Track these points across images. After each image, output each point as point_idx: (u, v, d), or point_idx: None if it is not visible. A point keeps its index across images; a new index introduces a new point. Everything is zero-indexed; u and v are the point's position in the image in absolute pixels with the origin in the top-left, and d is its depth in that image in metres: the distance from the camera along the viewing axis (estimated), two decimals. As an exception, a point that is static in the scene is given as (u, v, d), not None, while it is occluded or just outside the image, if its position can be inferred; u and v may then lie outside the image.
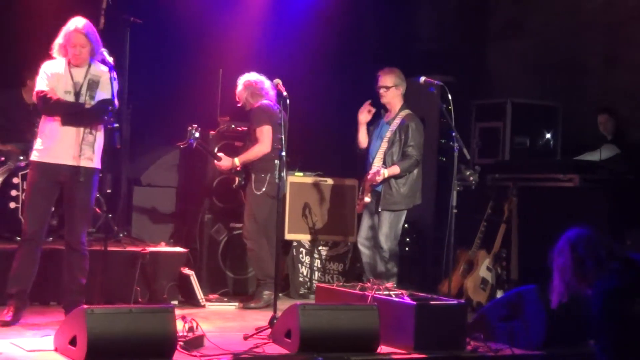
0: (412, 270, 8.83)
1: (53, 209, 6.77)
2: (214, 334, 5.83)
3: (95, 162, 6.22)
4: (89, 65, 6.21)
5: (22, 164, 7.25)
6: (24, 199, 6.34)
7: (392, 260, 7.36)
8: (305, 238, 8.43)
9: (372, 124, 7.62)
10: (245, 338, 5.82)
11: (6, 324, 5.94)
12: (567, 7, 9.53)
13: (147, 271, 7.26)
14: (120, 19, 7.17)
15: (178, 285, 7.42)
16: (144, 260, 7.24)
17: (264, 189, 7.42)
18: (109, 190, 7.85)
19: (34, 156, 6.19)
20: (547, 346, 5.93)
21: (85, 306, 5.01)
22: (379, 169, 7.26)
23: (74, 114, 6.09)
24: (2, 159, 7.50)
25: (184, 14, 8.92)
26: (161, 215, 8.67)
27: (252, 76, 7.59)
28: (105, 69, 6.25)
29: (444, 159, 9.13)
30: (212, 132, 8.14)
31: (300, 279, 8.38)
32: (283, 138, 6.51)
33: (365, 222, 7.53)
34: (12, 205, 7.21)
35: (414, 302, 5.77)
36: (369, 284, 6.32)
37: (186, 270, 7.41)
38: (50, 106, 6.08)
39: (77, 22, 6.17)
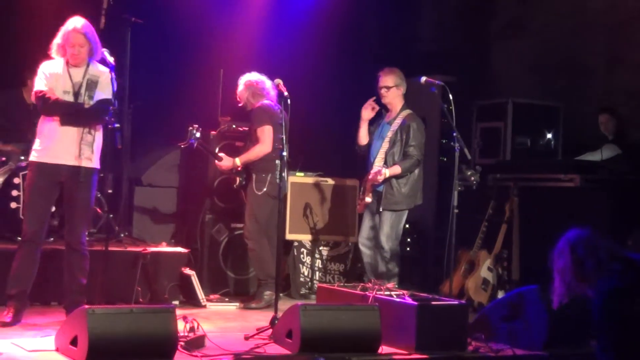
0: (413, 270, 8.83)
1: (54, 209, 6.78)
2: (215, 334, 5.84)
3: (95, 162, 6.21)
4: (88, 65, 6.20)
5: (23, 164, 7.25)
6: (23, 199, 6.31)
7: (393, 260, 7.36)
8: (306, 238, 8.43)
9: (372, 124, 7.62)
10: (247, 338, 5.82)
11: (6, 325, 5.94)
12: (569, 7, 9.53)
13: (148, 271, 7.27)
14: (121, 19, 7.17)
15: (179, 286, 7.42)
16: (145, 261, 7.25)
17: (265, 189, 7.42)
18: (110, 191, 7.85)
19: (33, 157, 6.18)
20: (548, 346, 5.92)
21: (87, 306, 5.01)
22: (381, 169, 7.26)
23: (73, 113, 6.08)
24: (3, 159, 7.50)
25: (185, 13, 8.91)
26: (162, 216, 8.67)
27: (253, 76, 7.59)
28: (103, 69, 6.25)
29: (445, 159, 9.12)
30: (213, 132, 8.14)
31: (301, 279, 8.38)
32: (284, 138, 6.52)
33: (367, 222, 7.53)
34: (13, 205, 7.20)
35: (415, 303, 5.77)
36: (370, 284, 6.32)
37: (187, 271, 7.40)
38: (49, 106, 6.07)
39: (76, 22, 6.17)
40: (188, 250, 7.68)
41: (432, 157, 9.04)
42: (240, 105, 7.68)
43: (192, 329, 5.57)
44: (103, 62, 6.33)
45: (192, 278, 7.35)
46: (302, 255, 8.41)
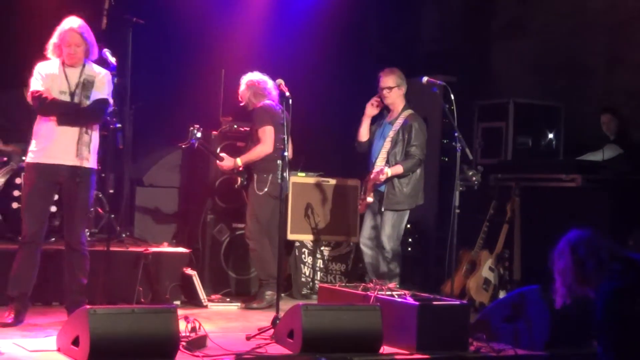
0: (414, 270, 8.83)
1: (55, 209, 6.78)
2: (216, 334, 5.84)
3: (92, 162, 6.19)
4: (84, 66, 6.18)
5: (24, 164, 7.25)
6: (22, 201, 6.30)
7: (395, 260, 7.36)
8: (307, 238, 8.43)
9: (373, 123, 7.62)
10: (248, 338, 5.82)
11: (7, 325, 5.94)
12: (569, 7, 9.53)
13: (149, 271, 7.27)
14: (122, 20, 7.18)
15: (180, 286, 7.42)
16: (146, 261, 7.25)
17: (266, 189, 7.42)
18: (111, 191, 7.86)
19: (30, 158, 6.17)
20: (550, 347, 5.92)
21: (88, 306, 5.01)
22: (383, 168, 7.26)
23: (70, 113, 6.07)
24: (5, 159, 7.50)
25: (186, 14, 8.92)
26: (163, 216, 8.67)
27: (255, 76, 7.59)
28: (100, 69, 6.24)
29: (447, 159, 9.12)
30: (214, 132, 8.14)
31: (303, 279, 8.38)
32: (285, 138, 6.52)
33: (368, 222, 7.53)
34: (15, 205, 7.20)
35: (417, 303, 5.77)
36: (371, 284, 6.32)
37: (189, 271, 7.41)
38: (46, 106, 6.05)
39: (72, 22, 6.16)
40: (189, 250, 7.69)
41: (434, 157, 9.05)
42: (241, 104, 7.68)
43: (193, 329, 5.57)
44: (104, 62, 6.34)
45: (194, 278, 7.35)
46: (303, 256, 8.41)
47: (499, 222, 7.97)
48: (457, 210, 6.64)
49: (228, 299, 7.65)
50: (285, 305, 6.26)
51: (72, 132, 6.08)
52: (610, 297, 4.34)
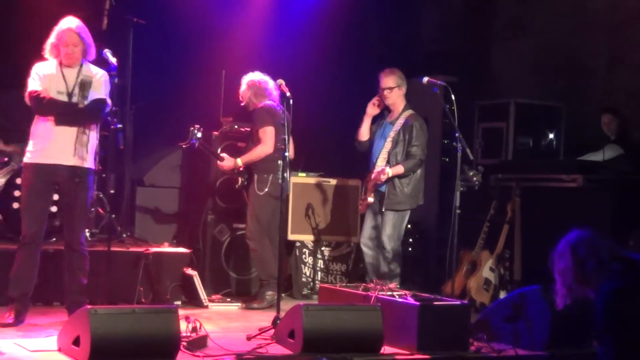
0: (415, 270, 8.83)
1: (56, 209, 6.78)
2: (217, 334, 5.84)
3: (90, 162, 6.19)
4: (81, 66, 6.18)
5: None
6: (21, 201, 6.28)
7: (395, 260, 7.37)
8: (308, 238, 8.43)
9: (374, 123, 7.63)
10: (249, 338, 5.82)
11: (8, 325, 5.94)
12: (569, 7, 9.53)
13: (150, 271, 7.27)
14: (123, 20, 7.18)
15: (181, 286, 7.43)
16: (147, 261, 7.25)
17: (266, 190, 7.43)
18: (112, 191, 7.85)
19: (27, 158, 6.16)
20: (550, 347, 5.92)
21: (89, 306, 5.01)
22: (384, 168, 7.26)
23: (68, 113, 6.07)
24: (5, 159, 7.50)
25: (187, 14, 8.92)
26: (164, 216, 8.68)
27: (256, 76, 7.59)
28: (97, 70, 6.24)
29: (447, 160, 9.12)
30: (215, 133, 8.14)
31: (303, 280, 8.38)
32: (286, 139, 6.52)
33: (369, 222, 7.54)
34: (16, 205, 7.19)
35: (418, 303, 5.77)
36: (372, 285, 6.32)
37: (189, 271, 7.41)
38: (43, 106, 6.04)
39: (70, 22, 6.16)
40: (190, 250, 7.69)
41: (434, 158, 9.05)
42: (242, 104, 7.68)
43: (194, 329, 5.57)
44: (105, 62, 6.34)
45: (194, 278, 7.35)
46: (304, 256, 8.41)
47: (499, 222, 7.97)
48: (458, 211, 6.64)
49: (229, 299, 7.65)
50: (286, 305, 6.27)
51: (70, 132, 6.08)
52: (611, 297, 4.34)
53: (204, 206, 8.22)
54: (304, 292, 8.33)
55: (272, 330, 5.90)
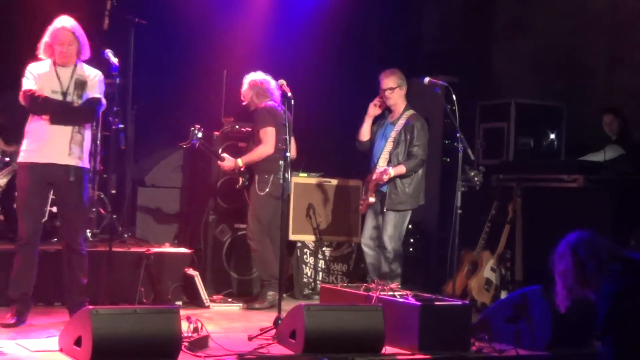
0: (416, 270, 8.83)
1: (56, 209, 6.78)
2: (218, 334, 5.84)
3: (84, 162, 6.18)
4: (75, 66, 6.18)
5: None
6: (17, 202, 6.26)
7: (396, 260, 7.37)
8: (309, 239, 8.43)
9: (375, 123, 7.63)
10: (250, 339, 5.83)
11: (10, 326, 5.94)
12: (569, 7, 9.54)
13: (151, 272, 7.27)
14: (124, 20, 7.17)
15: (182, 286, 7.43)
16: (148, 261, 7.25)
17: (267, 190, 7.43)
18: (113, 191, 7.86)
19: (22, 158, 6.16)
20: (551, 347, 5.92)
21: (90, 307, 5.01)
22: (387, 168, 7.26)
23: (63, 112, 6.06)
24: (7, 159, 7.50)
25: (189, 14, 8.92)
26: (165, 216, 8.67)
27: (258, 75, 7.59)
28: (91, 70, 6.23)
29: (448, 160, 9.13)
30: (216, 133, 8.15)
31: (304, 280, 8.38)
32: (287, 139, 6.52)
33: (370, 223, 7.54)
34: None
35: (419, 303, 5.78)
36: (373, 285, 6.32)
37: (190, 271, 7.41)
38: (38, 104, 6.03)
39: (64, 21, 6.16)
40: (191, 250, 7.69)
41: (436, 158, 9.05)
42: (244, 104, 7.68)
43: (195, 330, 5.58)
44: (106, 62, 6.34)
45: (196, 278, 7.36)
46: (305, 256, 8.41)
47: (500, 222, 7.97)
48: (459, 211, 6.64)
49: (230, 300, 7.65)
50: (287, 305, 6.27)
51: (64, 131, 6.07)
52: (612, 298, 4.35)
53: (205, 206, 8.22)
54: (305, 293, 8.34)
55: (274, 331, 5.90)
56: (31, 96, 6.03)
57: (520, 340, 5.99)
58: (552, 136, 9.21)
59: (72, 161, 6.08)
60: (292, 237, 8.32)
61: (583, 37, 9.37)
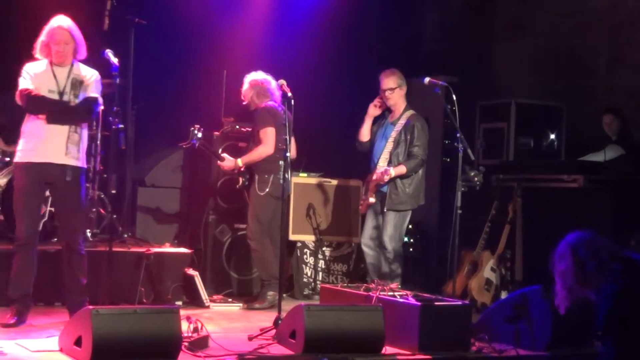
0: (416, 270, 8.83)
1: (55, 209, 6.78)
2: (218, 334, 5.84)
3: (81, 161, 6.18)
4: (72, 65, 6.17)
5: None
6: (14, 202, 6.25)
7: (396, 260, 7.37)
8: (309, 239, 8.43)
9: (375, 124, 7.63)
10: (250, 339, 5.83)
11: (10, 326, 5.94)
12: (569, 7, 9.54)
13: (151, 272, 7.27)
14: (124, 20, 7.18)
15: (182, 286, 7.43)
16: (148, 261, 7.25)
17: (267, 190, 7.43)
18: (113, 191, 7.84)
19: (18, 157, 6.15)
20: (552, 347, 5.92)
21: (91, 307, 5.01)
22: (388, 169, 7.25)
23: (59, 111, 6.06)
24: (7, 159, 7.50)
25: (189, 14, 8.92)
26: (165, 216, 8.67)
27: (259, 75, 7.59)
28: (88, 70, 6.22)
29: (449, 160, 9.13)
30: (216, 133, 8.15)
31: (305, 280, 8.38)
32: (288, 139, 6.52)
33: (370, 223, 7.54)
34: (16, 206, 7.20)
35: (419, 303, 5.78)
36: (373, 285, 6.32)
37: (190, 271, 7.41)
38: (35, 104, 6.03)
39: (61, 20, 6.15)
40: (191, 250, 7.69)
41: (436, 158, 9.05)
42: (244, 103, 7.68)
43: (195, 330, 5.58)
44: (106, 63, 6.33)
45: (196, 278, 7.36)
46: (305, 256, 8.41)
47: (500, 222, 7.97)
48: (459, 211, 6.64)
49: (230, 300, 7.65)
50: (287, 305, 6.27)
51: (61, 130, 6.06)
52: (612, 298, 4.35)
53: (205, 206, 8.22)
54: (305, 293, 8.34)
55: (274, 331, 5.90)
56: (27, 95, 6.03)
57: (520, 340, 5.99)
58: (552, 136, 9.21)
59: (69, 161, 6.08)
60: (292, 237, 8.32)
61: (583, 37, 9.37)
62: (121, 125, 6.53)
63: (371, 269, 7.55)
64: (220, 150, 7.83)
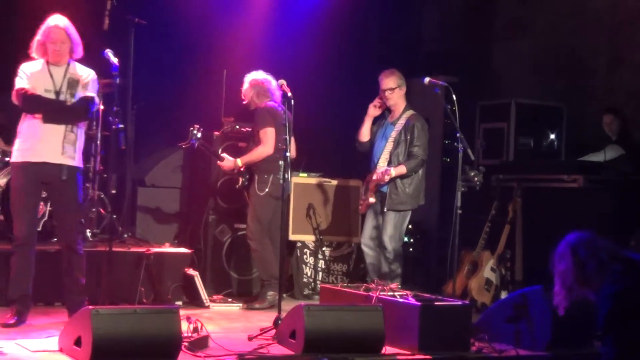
0: (416, 270, 8.83)
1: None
2: (218, 334, 5.84)
3: (77, 161, 6.17)
4: (68, 65, 6.17)
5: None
6: (11, 202, 6.25)
7: (396, 260, 7.37)
8: (309, 239, 8.43)
9: (374, 124, 7.63)
10: (250, 339, 5.83)
11: (10, 326, 5.94)
12: (569, 7, 9.54)
13: (151, 272, 7.27)
14: (124, 20, 7.18)
15: (182, 286, 7.43)
16: (148, 261, 7.25)
17: (267, 190, 7.43)
18: (113, 191, 7.86)
19: (15, 157, 6.14)
20: (552, 347, 5.92)
21: (90, 307, 5.01)
22: (389, 169, 7.25)
23: (56, 110, 6.05)
24: (7, 159, 7.49)
25: (189, 14, 8.92)
26: (165, 216, 8.67)
27: (259, 75, 7.59)
28: (84, 70, 6.22)
29: (448, 160, 9.13)
30: (216, 133, 8.15)
31: (304, 280, 8.38)
32: (288, 139, 6.52)
33: (370, 223, 7.54)
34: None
35: (419, 303, 5.78)
36: (373, 285, 6.32)
37: (190, 271, 7.41)
38: (31, 103, 6.02)
39: (57, 19, 6.15)
40: (191, 250, 7.69)
41: (436, 158, 9.05)
42: (244, 103, 7.68)
43: (195, 330, 5.58)
44: (106, 62, 6.33)
45: (196, 278, 7.35)
46: (305, 256, 8.41)
47: (500, 222, 7.97)
48: (459, 211, 6.64)
49: (230, 300, 7.65)
50: (287, 305, 6.27)
51: (57, 130, 6.06)
52: (612, 298, 4.35)
53: (205, 206, 8.22)
54: (305, 293, 8.34)
55: (274, 331, 5.90)
56: (24, 95, 6.03)
57: (520, 340, 5.99)
58: (552, 136, 9.21)
59: (66, 160, 6.07)
60: (292, 237, 8.32)
61: (583, 37, 9.37)
62: (121, 125, 6.53)
63: (371, 269, 7.55)
64: (220, 150, 7.83)
